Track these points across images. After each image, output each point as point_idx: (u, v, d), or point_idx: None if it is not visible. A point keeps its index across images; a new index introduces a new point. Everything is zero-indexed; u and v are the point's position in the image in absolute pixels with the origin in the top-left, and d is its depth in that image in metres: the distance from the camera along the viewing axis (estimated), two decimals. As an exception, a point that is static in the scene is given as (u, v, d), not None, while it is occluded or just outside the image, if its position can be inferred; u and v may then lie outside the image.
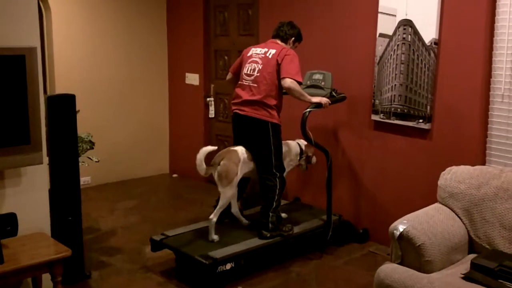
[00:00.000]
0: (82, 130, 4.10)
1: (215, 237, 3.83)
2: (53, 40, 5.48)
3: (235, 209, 4.10)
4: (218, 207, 3.85)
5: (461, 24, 3.75)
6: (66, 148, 3.56)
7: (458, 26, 3.77)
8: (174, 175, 6.52)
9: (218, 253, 3.59)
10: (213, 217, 3.83)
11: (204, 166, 3.79)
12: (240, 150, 3.92)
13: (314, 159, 4.34)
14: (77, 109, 3.64)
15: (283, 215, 4.29)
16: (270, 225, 3.89)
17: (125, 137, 6.16)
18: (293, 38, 4.04)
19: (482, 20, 3.62)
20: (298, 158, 4.25)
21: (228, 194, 3.84)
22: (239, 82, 4.02)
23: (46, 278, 3.24)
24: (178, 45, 6.28)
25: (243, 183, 4.09)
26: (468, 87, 3.75)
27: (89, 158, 4.27)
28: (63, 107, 3.52)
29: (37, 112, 3.16)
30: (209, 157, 3.83)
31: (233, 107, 4.04)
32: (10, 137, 3.08)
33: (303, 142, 4.27)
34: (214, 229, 3.84)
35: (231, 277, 3.69)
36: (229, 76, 4.27)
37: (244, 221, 4.13)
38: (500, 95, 3.62)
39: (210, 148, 3.84)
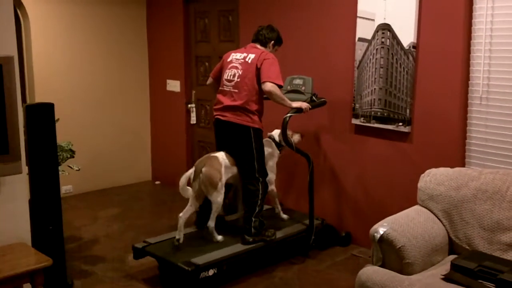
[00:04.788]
0: (63, 138, 4.07)
1: (220, 237, 3.91)
2: (32, 49, 5.44)
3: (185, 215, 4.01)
4: (212, 212, 3.87)
5: (439, 27, 3.81)
6: (45, 157, 3.53)
7: (436, 29, 3.82)
8: (157, 182, 6.50)
9: (201, 260, 3.59)
10: (211, 223, 3.88)
11: (189, 188, 3.85)
12: (221, 155, 3.93)
13: (296, 138, 4.29)
14: (56, 117, 3.61)
15: (285, 216, 4.33)
16: (253, 230, 3.90)
17: (106, 145, 6.12)
18: (272, 42, 4.06)
19: (460, 24, 3.68)
20: (279, 150, 4.25)
21: (217, 199, 3.86)
22: (220, 88, 4.03)
23: (27, 288, 3.20)
24: (159, 51, 6.27)
25: (225, 189, 4.09)
26: (447, 90, 3.80)
27: (70, 166, 4.23)
28: (42, 116, 3.49)
29: (15, 121, 3.12)
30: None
31: (215, 113, 4.05)
32: (-12, 147, 3.05)
33: (275, 133, 4.25)
34: (215, 231, 3.91)
35: (214, 283, 3.69)
36: (209, 80, 4.28)
37: (217, 237, 3.99)
38: (478, 97, 3.68)
39: (189, 172, 3.89)
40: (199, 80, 5.90)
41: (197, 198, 3.92)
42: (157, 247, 3.86)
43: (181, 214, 3.88)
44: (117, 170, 6.26)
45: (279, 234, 4.08)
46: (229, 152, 3.98)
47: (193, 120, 5.96)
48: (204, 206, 4.00)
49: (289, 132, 4.15)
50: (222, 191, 3.88)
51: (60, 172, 3.71)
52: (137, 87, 6.37)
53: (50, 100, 3.70)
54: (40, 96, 5.40)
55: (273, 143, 4.25)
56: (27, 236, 3.41)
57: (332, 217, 4.60)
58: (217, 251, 3.76)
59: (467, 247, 3.09)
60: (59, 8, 5.61)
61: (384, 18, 4.07)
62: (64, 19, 5.66)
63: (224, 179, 3.88)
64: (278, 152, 4.27)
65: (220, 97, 4.02)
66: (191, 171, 3.89)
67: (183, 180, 3.85)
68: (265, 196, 4.05)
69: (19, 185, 3.32)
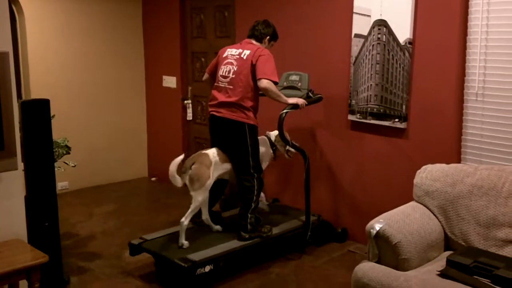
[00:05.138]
0: (59, 135, 4.06)
1: (185, 242, 3.77)
2: (27, 45, 5.41)
3: (205, 216, 4.05)
4: (189, 210, 3.81)
5: (435, 23, 3.81)
6: (41, 153, 3.52)
7: (432, 25, 3.82)
8: (153, 179, 6.49)
9: (197, 256, 3.59)
10: (184, 220, 3.79)
11: (178, 177, 3.77)
12: (212, 153, 3.92)
13: (290, 150, 4.28)
14: (52, 114, 3.60)
15: (217, 227, 4.10)
16: (249, 226, 3.90)
17: (102, 141, 6.11)
18: (268, 37, 4.05)
19: (456, 20, 3.68)
20: (272, 150, 4.22)
21: (199, 197, 3.82)
22: (215, 84, 4.02)
23: (23, 284, 3.19)
24: (155, 48, 6.25)
25: (221, 185, 4.10)
26: (443, 86, 3.81)
27: (66, 163, 4.22)
28: (38, 112, 3.48)
29: (10, 118, 3.12)
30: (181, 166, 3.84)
31: (210, 109, 4.04)
32: (-17, 143, 3.04)
33: (273, 134, 4.23)
34: (185, 233, 3.79)
35: (211, 280, 3.69)
36: (205, 76, 4.28)
37: (215, 227, 4.07)
38: (474, 93, 3.68)
39: (179, 158, 3.81)
40: (195, 76, 5.89)
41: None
42: (153, 244, 3.86)
43: (182, 220, 3.82)
44: (113, 167, 6.25)
45: (276, 230, 4.09)
46: (223, 148, 3.97)
47: (190, 116, 5.96)
48: (228, 193, 3.99)
49: (273, 139, 4.19)
50: (206, 191, 3.84)
51: (56, 169, 3.70)
52: (133, 83, 6.35)
53: (46, 96, 3.69)
54: (35, 92, 5.38)
55: (268, 142, 4.23)
56: (23, 232, 3.41)
57: (328, 213, 4.61)
58: (214, 247, 3.76)
59: (462, 243, 3.10)
60: (54, 4, 5.58)
61: (380, 14, 4.07)
62: (59, 15, 5.63)
63: (213, 179, 3.86)
64: (272, 152, 4.23)
65: (215, 93, 4.01)
66: (180, 158, 3.81)
67: (172, 167, 3.76)
68: (260, 192, 4.05)
69: (14, 182, 3.31)
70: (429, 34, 3.85)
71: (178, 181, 3.79)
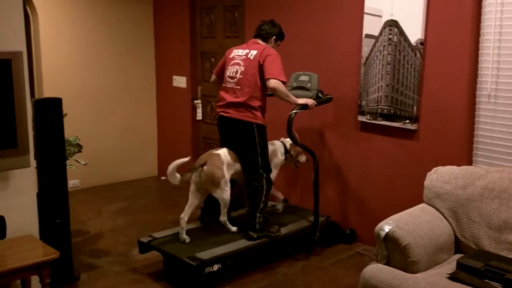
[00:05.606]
0: (70, 133, 4.09)
1: (234, 228, 3.96)
2: (40, 44, 5.46)
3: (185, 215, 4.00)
4: (221, 208, 3.91)
5: (447, 24, 3.79)
6: (53, 151, 3.56)
7: (444, 26, 3.80)
8: (163, 178, 6.51)
9: (205, 255, 3.60)
10: (222, 217, 3.93)
11: (177, 175, 3.82)
12: (223, 153, 3.94)
13: (303, 158, 4.33)
14: (64, 112, 3.64)
15: (234, 229, 4.07)
16: (257, 226, 3.91)
17: (113, 140, 6.15)
18: (274, 37, 4.05)
19: (468, 20, 3.66)
20: (284, 157, 4.26)
21: (222, 195, 3.87)
22: (223, 85, 4.04)
23: (35, 280, 3.23)
24: (165, 47, 6.28)
25: (230, 185, 4.10)
26: (455, 87, 3.79)
27: (77, 161, 4.25)
28: (50, 111, 3.52)
29: (24, 116, 3.16)
30: (182, 168, 3.87)
31: (218, 110, 4.06)
32: (-3, 141, 3.07)
33: (288, 141, 4.27)
34: (230, 225, 3.98)
35: (219, 278, 3.70)
36: (213, 78, 4.30)
37: (232, 228, 4.04)
38: (486, 95, 3.65)
39: (180, 161, 3.85)
40: (205, 76, 5.91)
41: (196, 194, 3.93)
42: (162, 242, 3.88)
43: (182, 215, 3.88)
44: (123, 165, 6.28)
45: (284, 231, 4.09)
46: (232, 149, 3.98)
47: (199, 116, 5.98)
48: (209, 201, 4.02)
49: (292, 152, 4.25)
50: (226, 187, 3.88)
51: (67, 167, 3.74)
52: (143, 83, 6.38)
53: (58, 95, 3.72)
54: (48, 91, 5.42)
55: (283, 148, 4.26)
56: (35, 229, 3.45)
57: (336, 214, 4.60)
58: (222, 246, 3.77)
59: (473, 246, 3.08)
60: (67, 4, 5.64)
61: (392, 15, 4.06)
62: (71, 14, 5.68)
63: (227, 176, 3.89)
64: (283, 159, 4.25)
65: (222, 94, 4.02)
66: (182, 160, 3.85)
67: (172, 166, 3.81)
68: (269, 192, 4.05)
69: (27, 179, 3.35)
70: (441, 34, 3.83)
71: (176, 179, 3.83)
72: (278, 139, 4.32)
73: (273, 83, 3.77)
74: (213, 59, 5.77)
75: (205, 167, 3.84)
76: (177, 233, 3.98)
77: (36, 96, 5.33)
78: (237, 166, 3.97)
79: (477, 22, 3.65)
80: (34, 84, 5.48)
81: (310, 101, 4.01)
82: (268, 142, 4.07)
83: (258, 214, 3.92)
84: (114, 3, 5.97)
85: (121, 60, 6.12)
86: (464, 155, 3.76)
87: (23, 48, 3.21)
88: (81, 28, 5.77)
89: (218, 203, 3.95)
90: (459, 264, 2.81)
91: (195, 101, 5.97)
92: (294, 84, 4.25)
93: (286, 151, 4.27)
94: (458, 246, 3.16)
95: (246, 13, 5.26)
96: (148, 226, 4.76)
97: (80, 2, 5.72)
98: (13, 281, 3.30)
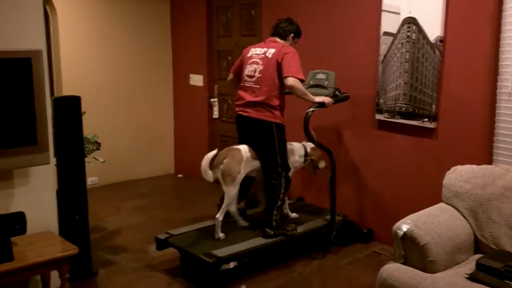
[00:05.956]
0: (89, 131, 4.13)
1: (221, 235, 3.87)
2: (60, 43, 5.52)
3: (234, 208, 4.06)
4: (223, 205, 3.88)
5: (466, 21, 3.74)
6: (72, 148, 3.60)
7: (464, 23, 3.76)
8: (179, 175, 6.55)
9: (222, 252, 3.61)
10: (219, 216, 3.86)
11: (210, 172, 3.83)
12: (243, 148, 3.94)
13: (322, 164, 4.31)
14: (83, 110, 3.67)
15: (294, 215, 4.32)
16: (274, 223, 3.91)
17: (131, 138, 6.20)
18: (292, 34, 4.04)
19: (489, 17, 3.61)
20: (303, 160, 4.25)
21: (232, 192, 3.86)
22: (241, 84, 4.03)
23: (54, 275, 3.27)
24: (182, 46, 6.30)
25: (247, 182, 4.11)
26: (475, 85, 3.74)
27: (95, 158, 4.30)
28: (69, 109, 3.56)
29: (43, 114, 3.20)
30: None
31: (237, 109, 4.06)
32: (17, 138, 3.12)
33: (309, 145, 4.27)
34: (220, 227, 3.87)
35: (235, 276, 3.71)
36: (230, 77, 4.30)
37: (242, 222, 4.10)
38: (507, 93, 3.59)
39: (211, 153, 3.87)
40: (221, 74, 5.92)
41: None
42: (179, 239, 3.90)
43: (217, 216, 3.88)
44: (140, 163, 6.33)
45: (300, 229, 4.09)
46: (251, 147, 3.99)
47: (216, 114, 6.00)
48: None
49: (313, 157, 4.24)
50: (238, 185, 3.87)
51: (86, 164, 3.77)
52: (160, 81, 6.42)
53: (76, 93, 3.76)
54: (67, 89, 5.47)
55: (303, 151, 4.25)
56: (55, 225, 3.50)
57: (353, 213, 4.58)
58: (238, 244, 3.78)
59: (493, 247, 3.03)
60: (85, 3, 5.69)
61: (410, 12, 4.03)
62: (90, 14, 5.73)
63: (243, 173, 3.89)
64: (302, 161, 4.24)
65: (241, 93, 4.03)
66: (213, 153, 3.87)
67: (205, 162, 3.83)
68: (287, 191, 4.05)
69: (46, 175, 3.40)
70: (461, 31, 3.78)
71: (210, 176, 3.85)
72: (296, 138, 4.30)
73: (290, 81, 3.76)
74: (229, 58, 5.78)
75: (225, 160, 3.85)
76: (194, 230, 4.02)
77: (55, 94, 5.38)
78: (256, 163, 3.96)
79: (498, 19, 3.59)
80: (53, 82, 5.54)
81: (327, 99, 4.00)
82: (288, 143, 4.07)
83: (275, 212, 3.92)
84: (132, 2, 6.01)
85: (138, 58, 6.16)
86: (484, 154, 3.72)
87: (42, 46, 3.25)
88: (99, 27, 5.82)
89: (244, 194, 3.93)
90: (478, 264, 2.77)
91: (212, 100, 5.99)
92: (311, 82, 4.24)
93: (306, 155, 4.25)
94: (478, 246, 3.12)
95: (263, 11, 5.26)
96: (165, 223, 4.79)
97: (98, 2, 5.77)
98: (33, 276, 3.35)
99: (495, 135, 3.69)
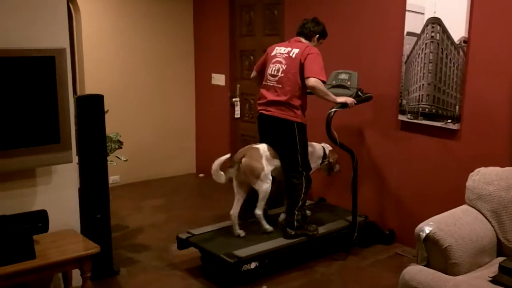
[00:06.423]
0: (111, 129, 4.17)
1: (268, 226, 3.94)
2: (83, 41, 5.59)
3: (234, 212, 4.00)
4: (259, 200, 3.90)
5: (491, 21, 3.69)
6: (95, 147, 3.63)
7: (488, 23, 3.70)
8: (201, 175, 6.57)
9: (243, 252, 3.61)
10: (258, 210, 3.91)
11: (222, 173, 3.85)
12: (262, 147, 3.95)
13: (337, 167, 4.32)
14: (105, 109, 3.70)
15: (307, 212, 4.31)
16: (295, 223, 3.90)
17: (152, 137, 6.24)
18: (317, 35, 4.02)
19: (513, 18, 3.56)
20: (320, 161, 4.24)
21: (262, 187, 3.86)
22: (264, 83, 4.03)
23: (76, 273, 3.30)
24: (204, 45, 6.33)
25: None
26: (499, 86, 3.69)
27: (118, 157, 4.33)
28: (92, 107, 3.59)
29: (66, 112, 3.23)
30: (224, 165, 3.89)
31: (259, 108, 4.06)
32: (40, 136, 3.16)
33: (328, 147, 4.27)
34: (264, 220, 3.95)
35: (256, 276, 3.71)
36: (253, 74, 4.30)
37: (267, 227, 4.01)
38: (531, 95, 3.55)
39: (223, 157, 3.88)
40: (243, 74, 5.92)
41: (240, 189, 3.96)
42: (200, 238, 3.91)
43: (231, 212, 3.90)
44: (162, 162, 6.37)
45: (321, 230, 4.07)
46: (272, 146, 3.98)
47: (237, 114, 6.00)
48: (250, 197, 4.03)
49: (331, 160, 4.26)
50: (267, 179, 3.87)
51: (108, 162, 3.80)
52: (183, 80, 6.45)
53: (99, 91, 3.80)
54: (89, 87, 5.54)
55: (322, 151, 4.24)
56: (76, 223, 3.54)
57: (375, 214, 4.55)
58: (260, 244, 3.77)
59: (516, 249, 2.99)
60: (108, 2, 5.75)
61: (434, 12, 3.98)
62: (113, 13, 5.79)
63: (267, 169, 3.89)
64: (319, 163, 4.24)
65: (263, 92, 4.03)
66: (225, 157, 3.89)
67: (215, 164, 3.84)
68: (308, 190, 4.04)
69: (69, 174, 3.44)
70: (485, 32, 3.73)
71: (221, 177, 3.86)
72: (318, 138, 4.28)
73: (312, 81, 3.75)
74: (252, 57, 5.78)
75: (243, 159, 3.85)
76: (215, 230, 4.04)
77: (78, 93, 5.45)
78: (276, 162, 3.96)
79: (524, 19, 3.54)
80: (76, 81, 5.61)
81: (349, 100, 3.97)
82: (308, 143, 4.06)
83: (296, 212, 3.91)
84: (155, 1, 6.06)
85: (161, 57, 6.20)
86: (508, 156, 3.66)
87: (66, 45, 3.28)
88: (122, 26, 5.87)
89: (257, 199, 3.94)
90: (501, 267, 2.74)
91: (234, 99, 6.00)
92: (334, 82, 4.21)
93: (324, 156, 4.24)
94: (501, 248, 3.07)
95: (286, 11, 5.24)
96: (186, 223, 4.82)
97: (121, 1, 5.82)
98: (55, 273, 3.39)
99: (521, 136, 3.63)
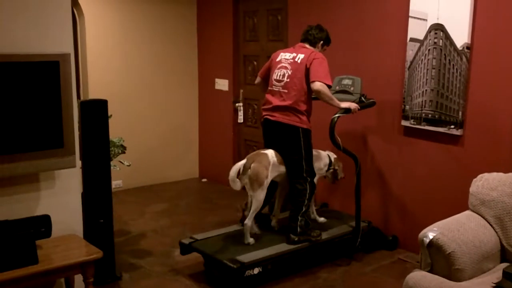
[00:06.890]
0: (114, 134, 4.17)
1: (251, 240, 3.87)
2: (86, 46, 5.61)
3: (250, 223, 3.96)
4: (251, 211, 3.87)
5: (494, 28, 3.69)
6: (98, 152, 3.63)
7: (492, 30, 3.71)
8: (204, 180, 6.58)
9: (246, 258, 3.60)
10: (248, 221, 3.86)
11: (238, 181, 3.83)
12: (270, 153, 3.94)
13: (341, 175, 4.32)
14: (109, 114, 3.71)
15: (322, 219, 4.33)
16: (298, 229, 3.90)
17: (156, 142, 6.25)
18: (321, 42, 4.04)
19: (516, 24, 3.56)
20: (326, 169, 4.24)
21: (259, 197, 3.85)
22: (269, 88, 4.04)
23: (78, 278, 3.30)
24: (208, 50, 6.34)
25: (272, 188, 4.10)
26: (502, 92, 3.69)
27: (121, 162, 4.34)
28: (96, 112, 3.60)
29: (70, 117, 3.24)
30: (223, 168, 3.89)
31: (264, 113, 4.06)
32: (44, 140, 3.16)
33: (333, 155, 4.28)
34: (249, 232, 3.88)
35: (259, 282, 3.71)
36: (257, 80, 4.30)
37: (250, 239, 3.97)
38: (534, 100, 3.55)
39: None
40: (247, 79, 5.93)
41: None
42: (203, 244, 3.91)
43: (246, 221, 3.88)
44: (165, 167, 6.38)
45: (325, 235, 4.06)
46: (277, 151, 3.98)
47: (241, 119, 6.01)
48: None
49: (337, 168, 4.26)
50: (265, 190, 3.87)
51: (111, 167, 3.81)
52: (186, 85, 6.47)
53: (103, 96, 3.81)
54: (93, 92, 5.56)
55: (327, 159, 4.25)
56: (79, 228, 3.53)
57: (378, 220, 4.54)
58: (263, 249, 3.77)
59: (520, 255, 2.99)
60: (113, 7, 5.77)
61: (437, 18, 3.98)
62: (117, 18, 5.81)
63: (270, 178, 3.89)
64: (324, 171, 4.25)
65: (269, 97, 4.03)
66: (242, 163, 3.89)
67: (233, 171, 3.84)
68: (312, 196, 4.03)
69: (72, 179, 3.44)
70: (488, 38, 3.73)
71: (237, 185, 3.85)
72: (321, 143, 4.28)
73: (317, 85, 3.76)
74: (255, 63, 5.79)
75: (252, 165, 3.85)
76: (218, 235, 4.03)
77: (82, 98, 5.46)
78: (282, 168, 3.96)
79: (527, 25, 3.54)
80: (80, 86, 5.62)
81: (353, 105, 3.98)
82: (314, 150, 4.06)
83: (300, 217, 3.90)
84: (159, 6, 6.08)
85: (164, 62, 6.22)
86: (511, 161, 3.65)
87: (70, 50, 3.29)
88: (126, 31, 5.89)
89: (268, 200, 3.94)
90: (505, 273, 2.72)
91: (237, 104, 6.00)
92: (337, 87, 4.22)
93: (330, 164, 4.24)
94: (504, 254, 3.07)
95: (289, 16, 5.26)
96: (189, 228, 4.82)
97: (125, 5, 5.85)
98: (57, 279, 3.38)
99: (525, 142, 3.62)
